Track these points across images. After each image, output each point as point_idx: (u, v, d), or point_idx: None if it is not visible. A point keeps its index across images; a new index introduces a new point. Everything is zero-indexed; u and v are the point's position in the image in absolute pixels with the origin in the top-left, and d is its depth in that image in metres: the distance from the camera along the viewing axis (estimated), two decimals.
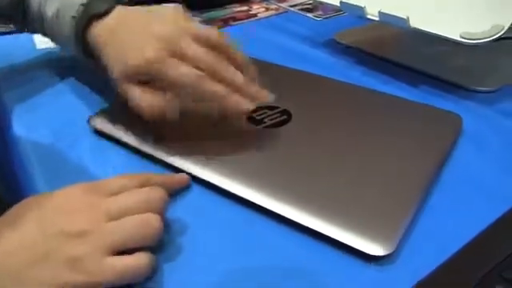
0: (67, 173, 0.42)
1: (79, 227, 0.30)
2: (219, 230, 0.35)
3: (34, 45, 0.73)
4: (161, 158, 0.42)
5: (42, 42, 0.73)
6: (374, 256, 0.31)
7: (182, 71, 0.39)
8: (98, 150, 0.45)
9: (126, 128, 0.45)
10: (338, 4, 0.60)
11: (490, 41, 0.49)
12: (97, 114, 0.49)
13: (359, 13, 0.58)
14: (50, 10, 0.52)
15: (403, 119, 0.47)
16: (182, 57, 0.40)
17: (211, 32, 0.42)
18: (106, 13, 0.46)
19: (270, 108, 0.47)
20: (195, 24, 0.43)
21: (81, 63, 0.52)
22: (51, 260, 0.28)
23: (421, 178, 0.38)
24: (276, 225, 0.36)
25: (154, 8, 0.46)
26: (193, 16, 0.82)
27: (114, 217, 0.31)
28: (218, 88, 0.39)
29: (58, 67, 0.63)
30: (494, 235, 0.34)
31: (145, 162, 0.43)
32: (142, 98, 0.41)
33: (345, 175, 0.39)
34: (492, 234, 0.34)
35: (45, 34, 0.56)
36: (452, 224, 0.35)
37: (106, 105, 0.51)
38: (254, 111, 0.46)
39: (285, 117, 0.47)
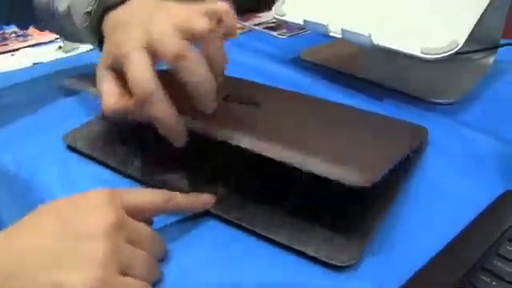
0: (32, 199, 0.41)
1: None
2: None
3: None
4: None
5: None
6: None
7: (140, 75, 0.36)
8: (64, 174, 0.44)
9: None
10: (302, 22, 0.61)
11: (447, 56, 0.51)
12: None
13: (322, 31, 0.59)
14: (61, 7, 0.52)
15: (370, 131, 0.47)
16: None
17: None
18: (118, 4, 0.44)
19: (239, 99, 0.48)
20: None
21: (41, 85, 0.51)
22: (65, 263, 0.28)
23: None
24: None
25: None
26: None
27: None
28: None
29: (18, 90, 0.62)
30: (462, 244, 0.35)
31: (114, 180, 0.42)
32: (105, 87, 0.39)
33: None
34: (460, 242, 0.35)
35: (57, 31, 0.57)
36: (420, 234, 0.36)
37: (70, 126, 0.50)
38: (224, 98, 0.46)
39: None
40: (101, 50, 0.47)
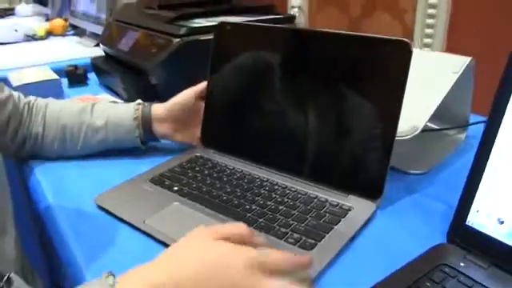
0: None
1: None
2: None
3: None
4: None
5: None
6: None
7: None
8: (93, 229, 0.58)
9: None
10: None
11: (408, 138, 0.61)
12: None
13: None
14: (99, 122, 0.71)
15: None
16: None
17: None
18: None
19: None
20: None
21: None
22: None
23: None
24: None
25: None
26: None
27: None
28: None
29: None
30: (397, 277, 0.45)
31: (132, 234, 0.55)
32: None
33: None
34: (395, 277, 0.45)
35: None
36: (360, 276, 0.47)
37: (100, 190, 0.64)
38: None
39: None
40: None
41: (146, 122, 0.72)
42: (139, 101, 0.75)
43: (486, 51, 1.22)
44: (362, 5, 1.58)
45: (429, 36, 1.46)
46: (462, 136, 0.76)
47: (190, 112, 0.73)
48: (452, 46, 1.41)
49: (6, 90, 0.71)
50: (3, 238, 0.52)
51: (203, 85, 0.73)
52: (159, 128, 0.72)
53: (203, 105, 0.73)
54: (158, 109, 0.72)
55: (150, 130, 0.72)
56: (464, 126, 0.74)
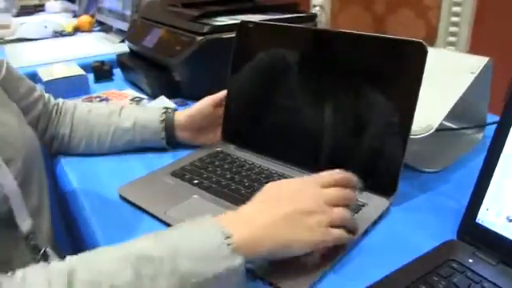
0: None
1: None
2: None
3: None
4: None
5: None
6: None
7: None
8: (116, 217, 0.61)
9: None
10: None
11: (423, 137, 0.62)
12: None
13: None
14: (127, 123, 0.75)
15: None
16: None
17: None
18: None
19: None
20: None
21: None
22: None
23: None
24: None
25: None
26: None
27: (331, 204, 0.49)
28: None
29: None
30: (407, 270, 0.47)
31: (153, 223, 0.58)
32: None
33: None
34: (405, 270, 0.47)
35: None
36: (365, 270, 0.49)
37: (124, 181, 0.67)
38: None
39: None
40: None
41: (168, 127, 0.75)
42: (161, 103, 0.77)
43: (511, 50, 1.22)
44: (387, 1, 1.58)
45: (453, 34, 1.45)
46: (479, 136, 0.76)
47: (209, 119, 0.76)
48: (476, 45, 1.40)
49: (38, 90, 0.75)
50: (40, 216, 0.56)
51: (222, 93, 0.76)
52: (181, 134, 0.76)
53: (221, 112, 0.76)
54: (181, 116, 0.76)
55: (173, 135, 0.76)
56: (479, 126, 0.74)
